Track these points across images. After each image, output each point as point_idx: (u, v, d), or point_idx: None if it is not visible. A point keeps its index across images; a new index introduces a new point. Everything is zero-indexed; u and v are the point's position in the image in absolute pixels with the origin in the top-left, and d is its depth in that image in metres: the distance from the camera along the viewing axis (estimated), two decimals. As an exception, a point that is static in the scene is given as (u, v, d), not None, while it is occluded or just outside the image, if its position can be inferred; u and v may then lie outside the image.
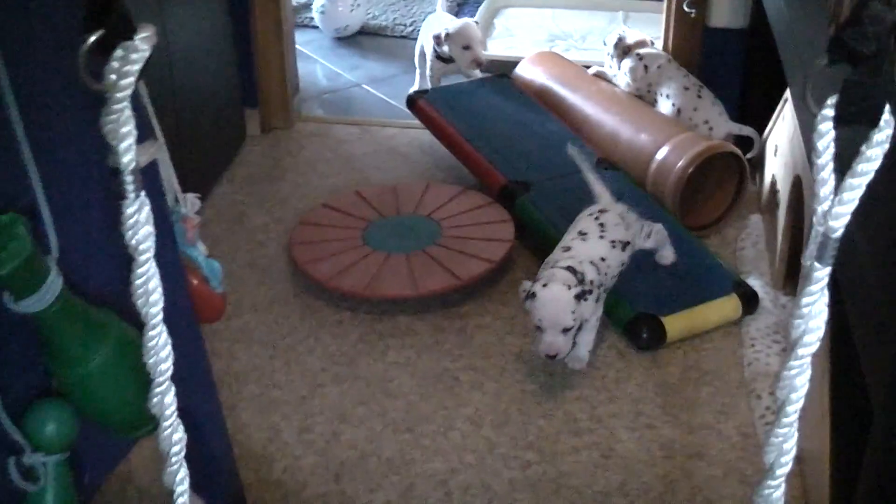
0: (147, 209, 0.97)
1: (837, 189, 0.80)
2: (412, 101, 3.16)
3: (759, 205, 2.80)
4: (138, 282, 1.00)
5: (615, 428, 2.13)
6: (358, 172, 3.13)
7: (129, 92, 0.91)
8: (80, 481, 1.28)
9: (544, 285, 2.10)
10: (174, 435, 1.07)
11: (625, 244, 2.32)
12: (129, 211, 0.96)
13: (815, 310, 0.86)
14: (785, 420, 0.90)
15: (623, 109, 3.02)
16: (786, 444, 0.92)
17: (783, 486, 0.96)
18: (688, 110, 2.92)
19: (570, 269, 2.17)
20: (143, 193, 0.96)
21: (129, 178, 0.95)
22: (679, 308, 2.36)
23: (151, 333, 1.02)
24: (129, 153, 0.94)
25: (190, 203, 1.44)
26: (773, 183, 2.64)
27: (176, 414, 1.05)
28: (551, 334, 2.09)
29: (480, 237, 2.60)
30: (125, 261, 1.30)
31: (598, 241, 2.27)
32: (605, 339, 2.39)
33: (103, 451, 1.38)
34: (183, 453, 1.10)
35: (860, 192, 0.79)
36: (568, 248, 2.25)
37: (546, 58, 3.37)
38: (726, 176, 2.77)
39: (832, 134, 0.80)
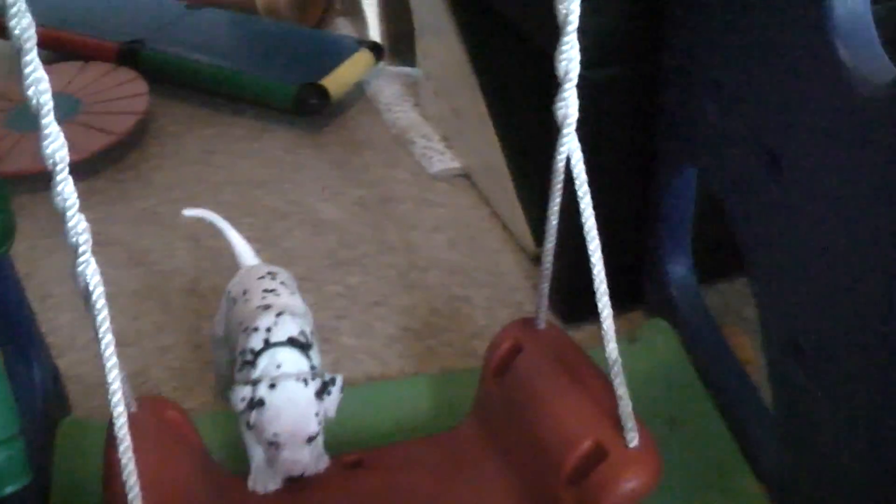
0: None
1: None
2: None
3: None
4: (27, 70, 1.07)
5: (311, 204, 2.35)
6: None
7: None
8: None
9: (272, 386, 1.42)
10: (80, 224, 1.14)
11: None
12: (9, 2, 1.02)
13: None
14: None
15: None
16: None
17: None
18: None
19: (293, 342, 1.47)
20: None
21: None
22: (328, 72, 2.62)
23: (45, 122, 1.09)
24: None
25: None
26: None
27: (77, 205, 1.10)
28: (292, 450, 1.43)
29: (120, 96, 2.67)
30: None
31: (292, 297, 1.60)
32: (265, 143, 2.60)
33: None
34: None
35: None
36: (268, 307, 1.53)
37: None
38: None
39: None
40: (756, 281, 1.40)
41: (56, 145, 1.08)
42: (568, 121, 1.18)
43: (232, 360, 1.56)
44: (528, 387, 1.44)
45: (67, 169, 1.08)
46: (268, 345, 1.46)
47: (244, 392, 1.42)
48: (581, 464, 1.29)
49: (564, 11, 1.11)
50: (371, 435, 1.65)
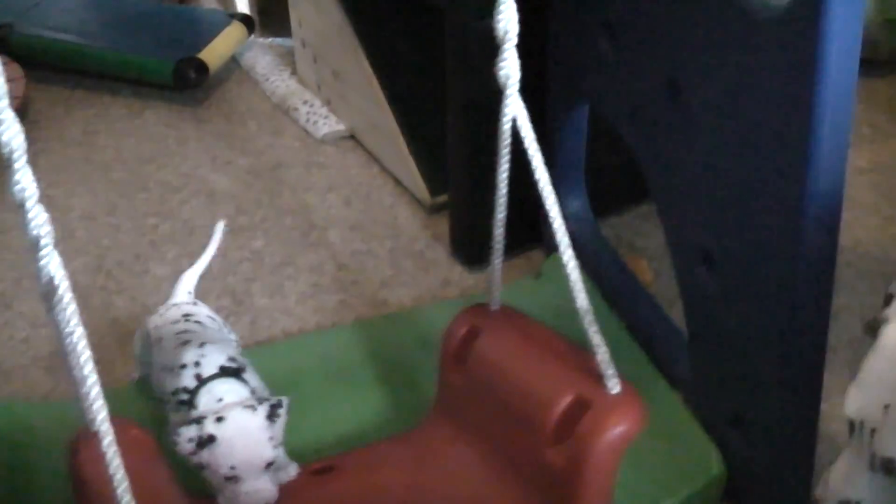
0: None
1: None
2: None
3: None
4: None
5: (202, 175, 2.36)
6: None
7: None
8: None
9: (219, 419, 1.34)
10: (40, 216, 1.06)
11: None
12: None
13: None
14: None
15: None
16: None
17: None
18: None
19: (225, 370, 1.42)
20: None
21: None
22: (203, 46, 2.62)
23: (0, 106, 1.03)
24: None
25: None
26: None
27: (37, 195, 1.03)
28: (252, 481, 1.35)
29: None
30: None
31: (206, 331, 1.56)
32: (147, 120, 2.58)
33: None
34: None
35: None
36: (186, 342, 1.48)
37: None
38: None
39: None
40: (662, 201, 1.48)
41: (12, 132, 0.98)
42: (510, 81, 1.17)
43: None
44: (495, 365, 1.40)
45: (25, 157, 0.99)
46: (201, 380, 1.40)
47: (190, 432, 1.33)
48: (565, 421, 1.26)
49: None
50: (303, 383, 1.68)
